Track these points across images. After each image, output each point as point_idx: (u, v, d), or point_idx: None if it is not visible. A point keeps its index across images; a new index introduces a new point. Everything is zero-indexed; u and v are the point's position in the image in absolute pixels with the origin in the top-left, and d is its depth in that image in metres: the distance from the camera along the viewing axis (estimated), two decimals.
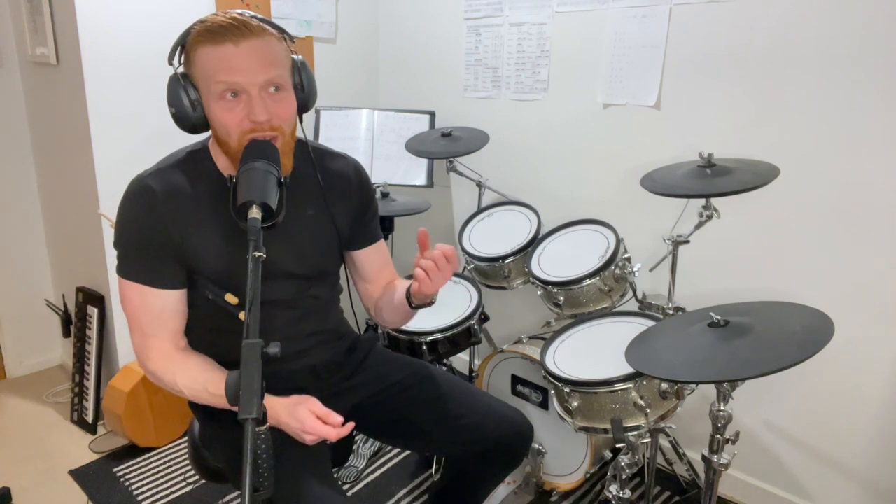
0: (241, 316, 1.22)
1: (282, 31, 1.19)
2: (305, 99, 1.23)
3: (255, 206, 1.02)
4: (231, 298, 1.23)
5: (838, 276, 1.78)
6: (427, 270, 1.19)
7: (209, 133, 1.24)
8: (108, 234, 2.26)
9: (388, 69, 2.92)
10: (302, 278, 1.32)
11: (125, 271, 1.21)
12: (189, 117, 1.15)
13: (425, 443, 1.49)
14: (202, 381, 1.20)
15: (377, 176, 2.59)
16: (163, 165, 1.23)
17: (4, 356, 2.80)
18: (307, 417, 1.14)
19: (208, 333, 1.29)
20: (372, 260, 1.46)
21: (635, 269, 1.87)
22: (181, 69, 1.16)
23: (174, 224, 1.19)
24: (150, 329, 1.22)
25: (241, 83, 1.10)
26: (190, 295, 1.27)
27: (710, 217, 1.66)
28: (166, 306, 1.22)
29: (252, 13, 1.15)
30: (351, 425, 1.16)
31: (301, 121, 1.26)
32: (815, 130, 1.75)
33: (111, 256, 2.28)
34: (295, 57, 1.21)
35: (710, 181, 1.58)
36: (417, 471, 2.21)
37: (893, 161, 1.65)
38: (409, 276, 2.20)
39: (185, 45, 1.14)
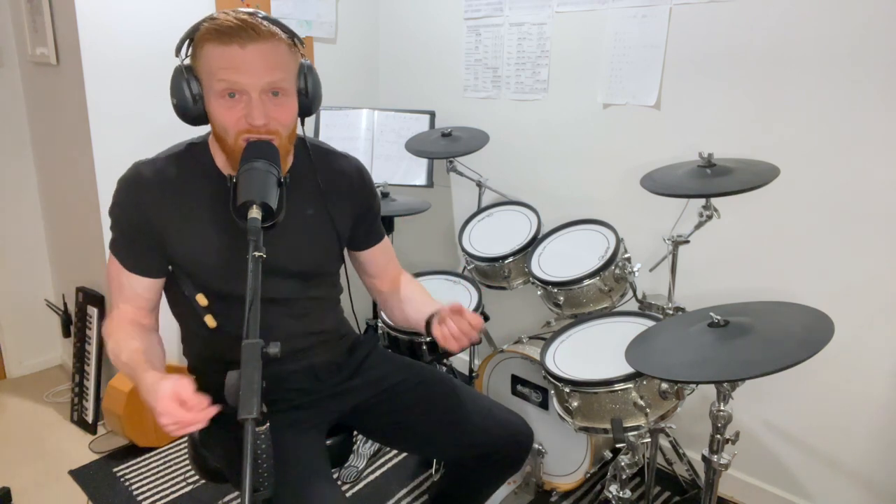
0: (207, 319, 1.24)
1: (292, 34, 1.18)
2: (308, 104, 1.24)
3: (255, 206, 1.02)
4: (201, 300, 1.24)
5: (838, 276, 1.78)
6: (446, 336, 1.25)
7: (209, 129, 1.24)
8: (108, 235, 2.26)
9: (388, 69, 2.92)
10: (298, 277, 1.32)
11: (112, 246, 1.26)
12: (189, 110, 1.16)
13: (424, 446, 1.49)
14: (122, 343, 1.19)
15: (377, 176, 2.59)
16: (161, 155, 1.25)
17: (4, 356, 2.79)
18: (164, 399, 0.96)
19: (200, 328, 1.29)
20: (378, 258, 1.48)
21: (635, 269, 1.87)
22: (187, 61, 1.16)
23: (157, 214, 1.20)
24: (116, 300, 1.26)
25: (241, 84, 1.10)
26: (175, 287, 1.29)
27: (710, 217, 1.66)
28: (135, 289, 1.25)
29: (264, 14, 1.15)
30: (213, 410, 0.97)
31: (303, 123, 1.27)
32: (815, 130, 1.75)
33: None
34: (302, 61, 1.21)
35: (710, 181, 1.58)
36: (417, 471, 2.21)
37: (893, 161, 1.65)
38: (418, 275, 2.20)
39: (194, 39, 1.14)
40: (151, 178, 1.20)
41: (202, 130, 1.28)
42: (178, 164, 1.23)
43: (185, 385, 0.98)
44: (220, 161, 1.24)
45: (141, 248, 1.23)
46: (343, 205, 1.36)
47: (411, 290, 1.49)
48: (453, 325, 1.24)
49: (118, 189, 1.23)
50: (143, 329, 1.26)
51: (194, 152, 1.25)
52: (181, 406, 0.95)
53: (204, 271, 1.23)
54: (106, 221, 2.24)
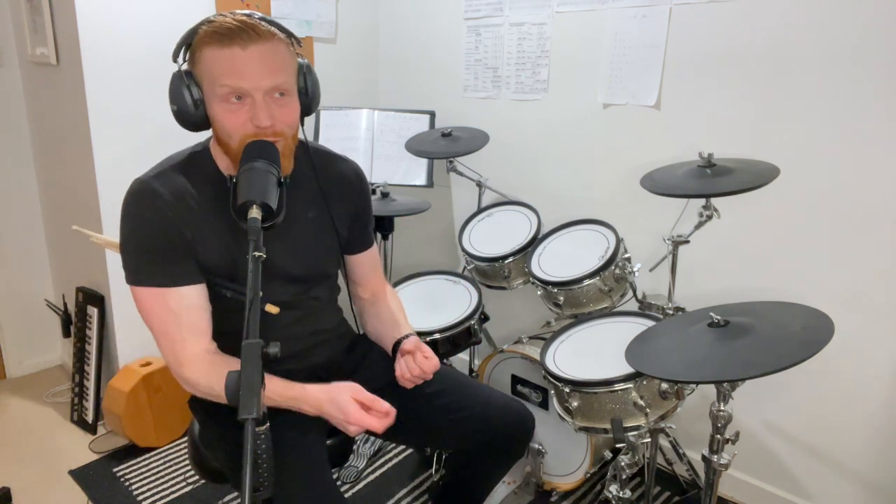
0: (268, 308, 1.24)
1: (289, 34, 1.18)
2: (308, 103, 1.23)
3: (255, 206, 1.02)
4: None
5: (838, 276, 1.78)
6: (401, 373, 1.34)
7: (209, 134, 1.24)
8: (108, 235, 2.26)
9: (388, 69, 2.92)
10: (302, 280, 1.32)
11: (140, 278, 1.17)
12: (191, 116, 1.15)
13: (427, 437, 1.50)
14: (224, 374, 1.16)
15: (377, 176, 2.59)
16: (164, 167, 1.22)
17: (4, 356, 2.79)
18: (351, 407, 1.14)
19: (224, 338, 1.26)
20: (363, 264, 1.49)
21: (635, 269, 1.87)
22: (185, 67, 1.16)
23: (184, 224, 1.18)
24: (178, 334, 1.18)
25: (245, 88, 1.10)
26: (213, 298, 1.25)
27: (710, 217, 1.66)
28: (192, 305, 1.19)
29: (261, 15, 1.14)
30: (394, 413, 1.18)
31: (303, 124, 1.26)
32: (815, 130, 1.75)
33: (111, 256, 2.27)
34: (300, 61, 1.21)
35: (710, 181, 1.58)
36: (417, 471, 2.21)
37: (893, 161, 1.65)
38: (409, 277, 2.20)
39: (191, 43, 1.13)
40: (166, 190, 1.17)
41: (202, 137, 1.28)
42: (184, 173, 1.21)
43: (359, 390, 1.17)
44: (223, 165, 1.23)
45: (177, 258, 1.18)
46: (342, 207, 1.37)
47: (390, 307, 1.50)
48: (405, 367, 1.33)
49: (136, 210, 1.16)
50: (223, 356, 1.21)
51: (197, 160, 1.24)
52: (364, 409, 1.15)
53: (232, 273, 1.23)
54: (107, 222, 2.24)
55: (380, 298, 1.52)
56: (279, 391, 1.19)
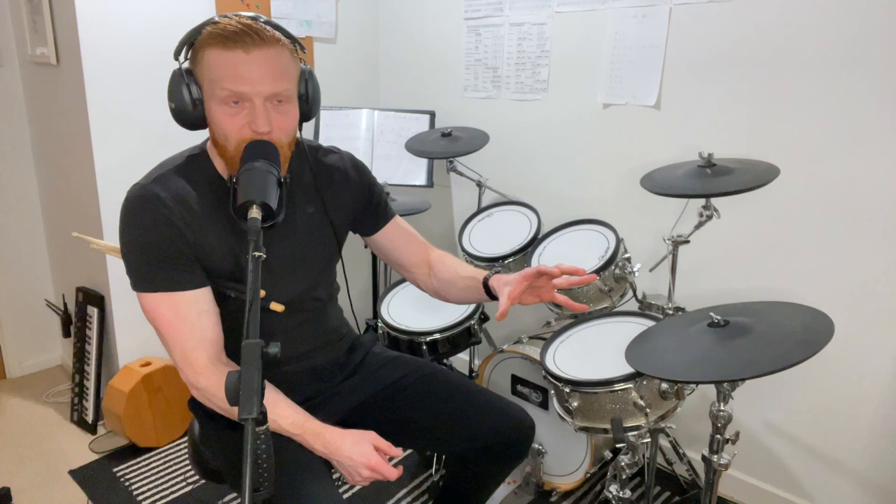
0: (273, 306, 1.23)
1: (294, 40, 1.18)
2: (308, 109, 1.23)
3: (255, 206, 1.02)
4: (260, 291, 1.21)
5: (838, 276, 1.78)
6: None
7: (206, 137, 1.23)
8: (108, 235, 2.26)
9: (388, 69, 2.93)
10: (304, 278, 1.32)
11: (146, 285, 1.16)
12: (188, 114, 1.14)
13: (427, 441, 1.49)
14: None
15: (377, 176, 2.57)
16: (162, 171, 1.20)
17: (4, 356, 2.80)
18: (373, 454, 1.17)
19: (228, 338, 1.25)
20: (395, 238, 1.43)
21: (635, 269, 1.87)
22: (186, 65, 1.15)
23: (187, 228, 1.17)
24: (190, 341, 1.16)
25: (246, 92, 1.09)
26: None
27: (710, 217, 1.66)
28: (201, 309, 1.18)
29: (266, 19, 1.13)
30: (399, 471, 1.21)
31: (301, 130, 1.26)
32: (815, 130, 1.75)
33: (111, 257, 2.27)
34: (303, 67, 1.21)
35: (710, 181, 1.58)
36: (417, 471, 2.21)
37: (893, 161, 1.65)
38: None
39: (194, 43, 1.13)
40: (167, 194, 1.16)
41: (197, 135, 1.28)
42: (183, 176, 1.20)
43: (378, 438, 1.20)
44: (221, 168, 1.23)
45: (182, 262, 1.16)
46: (340, 199, 1.36)
47: (445, 263, 1.43)
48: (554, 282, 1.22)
49: (138, 216, 1.14)
50: (235, 366, 1.19)
51: (195, 162, 1.23)
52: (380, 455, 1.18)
53: (238, 274, 1.22)
54: (107, 222, 2.24)
55: (435, 265, 1.44)
56: (299, 422, 1.18)
